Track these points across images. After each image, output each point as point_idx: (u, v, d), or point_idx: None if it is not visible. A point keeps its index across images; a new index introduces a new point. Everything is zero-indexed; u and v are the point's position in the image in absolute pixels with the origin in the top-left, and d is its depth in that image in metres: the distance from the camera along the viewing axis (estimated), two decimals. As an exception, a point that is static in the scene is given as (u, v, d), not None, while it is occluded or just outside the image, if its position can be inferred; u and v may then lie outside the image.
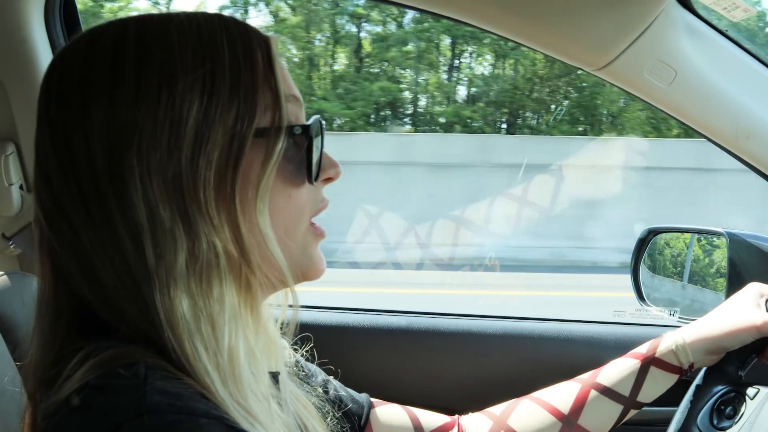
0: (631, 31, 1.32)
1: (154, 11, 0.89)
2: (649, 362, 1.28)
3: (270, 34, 0.90)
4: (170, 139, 0.79)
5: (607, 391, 1.28)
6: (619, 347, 1.76)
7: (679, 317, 1.76)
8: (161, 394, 0.72)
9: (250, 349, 0.83)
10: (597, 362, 1.73)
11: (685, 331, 1.29)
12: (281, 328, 1.05)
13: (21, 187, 1.74)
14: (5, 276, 1.42)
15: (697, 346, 1.26)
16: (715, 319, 1.29)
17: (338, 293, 6.60)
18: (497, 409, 1.32)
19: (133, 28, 0.83)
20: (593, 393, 1.29)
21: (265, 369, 0.88)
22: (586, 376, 1.32)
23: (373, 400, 1.27)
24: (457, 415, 1.33)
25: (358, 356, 1.84)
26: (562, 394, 1.31)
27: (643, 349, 1.31)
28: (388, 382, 1.83)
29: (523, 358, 1.82)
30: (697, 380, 1.30)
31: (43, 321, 0.86)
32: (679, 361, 1.27)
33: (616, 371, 1.30)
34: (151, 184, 0.79)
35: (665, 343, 1.29)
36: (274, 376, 0.97)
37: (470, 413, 1.34)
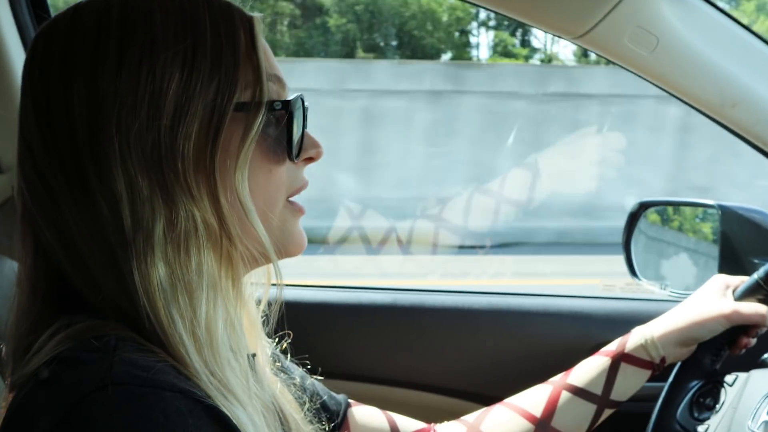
0: (610, -2, 1.29)
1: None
2: (619, 359, 1.27)
3: (254, 14, 0.91)
4: (149, 111, 0.80)
5: (578, 392, 1.27)
6: (609, 322, 1.76)
7: (671, 291, 1.74)
8: (129, 366, 0.72)
9: (230, 321, 0.83)
10: (586, 337, 1.73)
11: (653, 325, 1.29)
12: (266, 308, 1.05)
13: None
14: (-23, 258, 1.41)
15: (667, 339, 1.26)
16: (682, 311, 1.29)
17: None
18: (470, 417, 1.32)
19: (116, 5, 0.84)
20: (565, 394, 1.27)
21: (245, 345, 0.88)
22: (557, 378, 1.31)
23: (350, 400, 1.27)
24: (432, 423, 1.32)
25: (342, 334, 1.83)
26: (534, 398, 1.30)
27: (612, 347, 1.30)
28: (373, 360, 1.82)
29: (511, 334, 1.80)
30: (670, 379, 1.30)
31: (21, 294, 0.88)
32: (649, 355, 1.26)
33: (586, 370, 1.29)
34: (130, 154, 0.80)
35: (634, 338, 1.29)
36: (251, 357, 0.96)
37: (445, 422, 1.32)
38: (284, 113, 0.90)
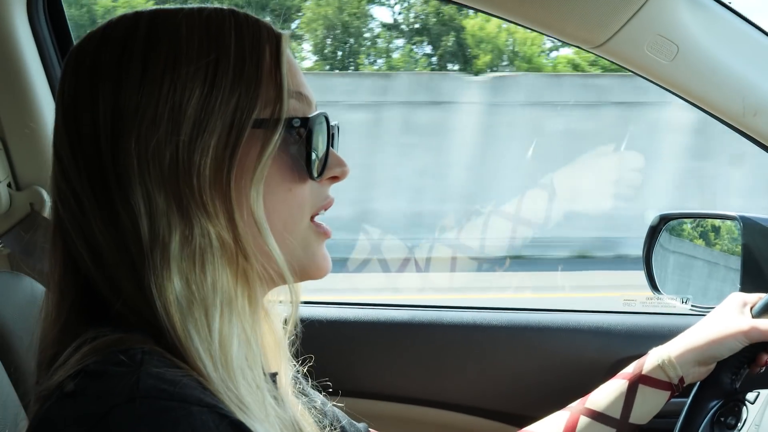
0: (630, 6, 1.27)
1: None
2: (637, 381, 1.26)
3: (283, 31, 0.91)
4: (169, 125, 0.81)
5: (597, 416, 1.26)
6: (630, 337, 1.74)
7: (692, 305, 1.71)
8: (155, 380, 0.73)
9: (245, 339, 0.83)
10: (607, 353, 1.71)
11: (671, 345, 1.27)
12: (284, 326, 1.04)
13: (9, 186, 1.74)
14: (-4, 275, 1.40)
15: (685, 358, 1.24)
16: (699, 330, 1.27)
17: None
18: None
19: (145, 18, 0.87)
20: (583, 419, 1.26)
21: (260, 362, 0.87)
22: (575, 403, 1.30)
23: (370, 430, 1.24)
24: None
25: (359, 352, 1.81)
26: (553, 425, 1.29)
27: (629, 369, 1.29)
28: (391, 377, 1.79)
29: (531, 351, 1.77)
30: (689, 400, 1.27)
31: (49, 302, 0.89)
32: (667, 376, 1.24)
33: (604, 394, 1.28)
34: (149, 167, 0.81)
35: (651, 359, 1.27)
36: (273, 376, 0.96)
37: None
38: (304, 131, 0.89)
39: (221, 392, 0.77)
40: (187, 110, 0.82)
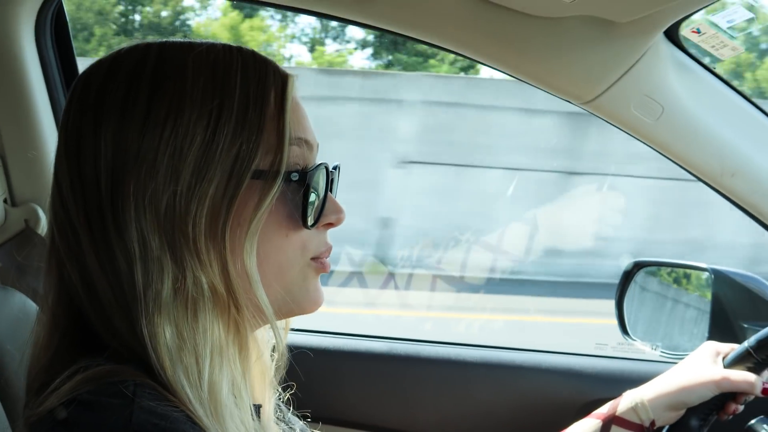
0: (619, 67, 1.32)
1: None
2: (610, 421, 1.30)
3: (291, 72, 0.91)
4: (168, 171, 0.81)
5: None
6: (600, 380, 1.77)
7: (661, 352, 1.75)
8: (148, 414, 0.73)
9: (235, 386, 0.83)
10: (577, 394, 1.74)
11: (645, 389, 1.31)
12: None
13: (5, 201, 1.74)
14: (-14, 290, 1.40)
15: (657, 402, 1.28)
16: (673, 376, 1.30)
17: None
18: None
19: (153, 54, 0.85)
20: None
21: (248, 402, 0.87)
22: None
23: None
24: None
25: (337, 380, 1.83)
26: None
27: (603, 409, 1.33)
28: (368, 407, 1.81)
29: (503, 388, 1.80)
30: None
31: (41, 328, 0.88)
32: (639, 418, 1.28)
33: None
34: (145, 212, 0.80)
35: (625, 401, 1.31)
36: (257, 409, 0.96)
37: None
38: (303, 182, 0.88)
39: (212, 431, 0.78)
40: (187, 157, 0.81)
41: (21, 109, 1.68)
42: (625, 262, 1.82)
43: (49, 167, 1.64)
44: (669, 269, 1.95)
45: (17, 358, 1.26)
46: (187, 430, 0.75)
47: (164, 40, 0.88)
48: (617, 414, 1.29)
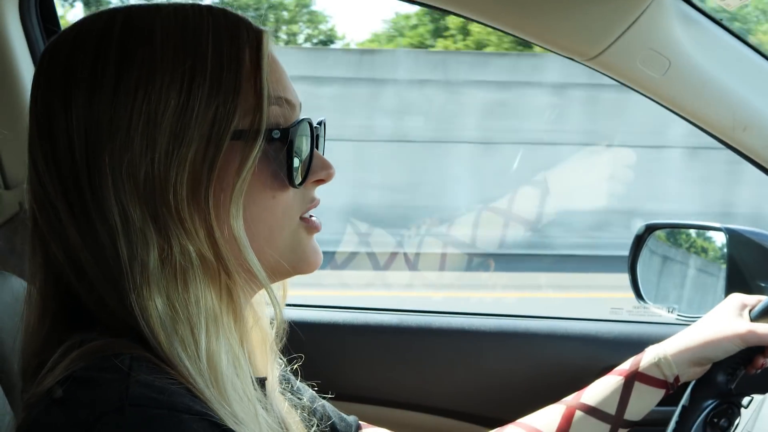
0: (623, 20, 1.29)
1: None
2: (633, 378, 1.26)
3: (264, 27, 0.88)
4: (143, 140, 0.78)
5: (592, 411, 1.26)
6: (617, 345, 1.75)
7: (678, 315, 1.73)
8: (145, 388, 0.72)
9: (234, 354, 0.82)
10: (594, 360, 1.72)
11: (668, 343, 1.28)
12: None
13: None
14: (-19, 274, 1.39)
15: (681, 357, 1.25)
16: (697, 330, 1.27)
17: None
18: None
19: (119, 20, 0.83)
20: (578, 414, 1.27)
21: (249, 372, 0.85)
22: (570, 397, 1.30)
23: (361, 422, 1.25)
24: None
25: (348, 355, 1.81)
26: (547, 418, 1.29)
27: (626, 366, 1.30)
28: (380, 381, 1.80)
29: (518, 357, 1.79)
30: (684, 399, 1.28)
31: (30, 310, 0.87)
32: (663, 374, 1.25)
33: (600, 389, 1.28)
34: (123, 184, 0.78)
35: (647, 357, 1.28)
36: (261, 382, 0.95)
37: None
38: (285, 140, 0.86)
39: (213, 404, 0.76)
40: (162, 123, 0.78)
41: (8, 90, 1.66)
42: (637, 226, 1.80)
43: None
44: (682, 230, 1.93)
45: (13, 341, 1.25)
46: (186, 403, 0.73)
47: (129, 4, 0.86)
48: (640, 370, 1.26)
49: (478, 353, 1.79)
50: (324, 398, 1.21)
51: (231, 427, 0.75)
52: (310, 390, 1.19)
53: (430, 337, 1.81)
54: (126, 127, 0.78)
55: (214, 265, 0.81)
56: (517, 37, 1.38)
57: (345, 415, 1.23)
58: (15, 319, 1.30)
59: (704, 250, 1.89)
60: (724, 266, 1.66)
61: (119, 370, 0.73)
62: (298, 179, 0.88)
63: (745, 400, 1.28)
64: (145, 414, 0.70)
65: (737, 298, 1.31)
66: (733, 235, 1.64)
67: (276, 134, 0.85)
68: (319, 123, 0.95)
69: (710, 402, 1.26)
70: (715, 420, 1.25)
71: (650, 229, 1.78)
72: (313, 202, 0.94)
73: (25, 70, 1.69)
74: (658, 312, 1.75)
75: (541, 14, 1.33)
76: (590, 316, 1.87)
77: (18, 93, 1.68)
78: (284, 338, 1.02)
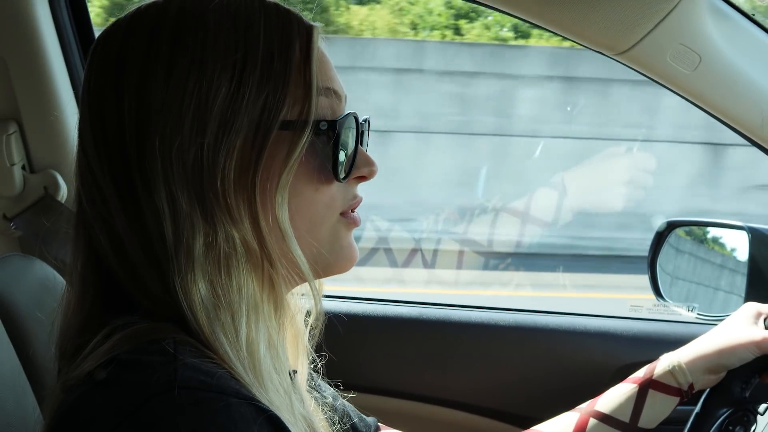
0: (654, 15, 1.28)
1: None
2: (647, 385, 1.26)
3: (314, 23, 0.89)
4: (194, 125, 0.79)
5: (606, 419, 1.26)
6: (636, 342, 1.74)
7: (698, 314, 1.72)
8: (192, 371, 0.72)
9: (272, 344, 0.82)
10: (613, 357, 1.71)
11: (682, 351, 1.27)
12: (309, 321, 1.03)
13: (23, 168, 1.73)
14: (6, 257, 1.39)
15: (695, 365, 1.24)
16: (712, 338, 1.26)
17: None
18: None
19: (173, 9, 0.84)
20: (592, 421, 1.26)
21: (286, 364, 0.86)
22: (584, 405, 1.30)
23: (380, 423, 1.25)
24: None
25: (367, 347, 1.81)
26: (562, 425, 1.28)
27: (640, 373, 1.29)
28: (398, 374, 1.80)
29: (537, 352, 1.78)
30: (698, 407, 1.27)
31: (71, 292, 0.88)
32: (677, 382, 1.24)
33: (614, 397, 1.28)
34: (172, 167, 0.79)
35: (662, 364, 1.27)
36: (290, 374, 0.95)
37: None
38: (332, 133, 0.87)
39: (253, 390, 0.76)
40: (212, 109, 0.80)
41: (37, 75, 1.66)
42: (658, 222, 1.78)
43: (67, 133, 1.66)
44: (703, 228, 1.91)
45: (39, 325, 1.26)
46: (233, 386, 0.73)
47: None
48: (654, 378, 1.26)
49: (497, 348, 1.79)
50: (344, 397, 1.21)
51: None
52: (331, 389, 1.19)
53: (450, 331, 1.81)
54: (177, 112, 0.79)
55: (257, 254, 0.81)
56: (548, 30, 1.36)
57: (364, 416, 1.23)
58: (39, 302, 1.31)
59: (725, 248, 1.87)
60: (745, 265, 1.64)
61: (166, 353, 0.73)
62: (342, 173, 0.89)
63: (762, 407, 1.28)
64: (194, 396, 0.70)
65: (752, 306, 1.30)
66: (755, 235, 1.62)
67: (323, 126, 0.86)
68: (365, 120, 0.96)
69: (725, 410, 1.25)
70: (730, 428, 1.24)
71: (671, 226, 1.77)
72: (355, 200, 0.94)
73: (55, 56, 1.69)
74: (677, 310, 1.74)
75: (572, 7, 1.31)
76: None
77: (47, 79, 1.68)
78: (320, 335, 1.03)
